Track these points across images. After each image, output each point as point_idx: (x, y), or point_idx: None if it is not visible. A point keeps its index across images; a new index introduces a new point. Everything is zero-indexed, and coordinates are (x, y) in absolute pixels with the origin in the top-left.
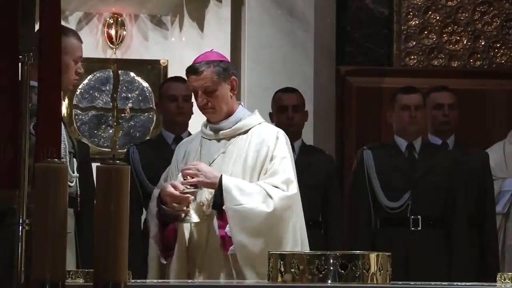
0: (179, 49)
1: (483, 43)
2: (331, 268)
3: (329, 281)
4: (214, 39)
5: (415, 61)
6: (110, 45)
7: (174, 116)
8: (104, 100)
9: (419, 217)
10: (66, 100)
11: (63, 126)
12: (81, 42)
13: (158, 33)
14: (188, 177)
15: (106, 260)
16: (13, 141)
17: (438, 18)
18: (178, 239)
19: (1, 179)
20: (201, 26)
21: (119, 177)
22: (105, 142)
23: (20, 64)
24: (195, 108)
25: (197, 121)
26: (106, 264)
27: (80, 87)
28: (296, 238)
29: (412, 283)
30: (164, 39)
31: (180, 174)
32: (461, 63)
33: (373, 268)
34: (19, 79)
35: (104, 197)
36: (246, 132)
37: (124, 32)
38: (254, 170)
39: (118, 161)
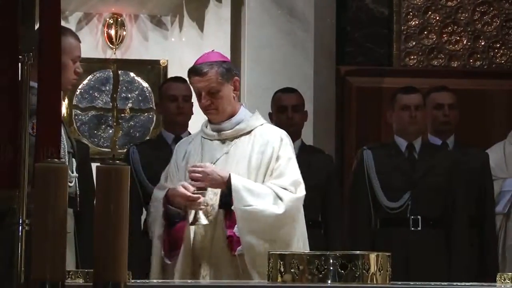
0: (179, 49)
1: (483, 43)
2: (331, 268)
3: (329, 281)
4: (214, 39)
5: (415, 61)
6: (110, 45)
7: (174, 116)
8: (104, 100)
9: (419, 217)
10: (66, 100)
11: (62, 126)
12: (79, 41)
13: (158, 33)
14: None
15: (106, 260)
16: (13, 141)
17: (438, 18)
18: (184, 239)
19: (1, 179)
20: (201, 26)
21: (119, 177)
22: (105, 142)
23: (20, 64)
24: (195, 108)
25: (197, 121)
26: (106, 264)
27: (80, 87)
28: (302, 239)
29: (412, 283)
30: (164, 39)
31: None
32: (461, 63)
33: (373, 268)
34: (19, 79)
35: (104, 197)
36: (248, 133)
37: (124, 32)
38: (258, 170)
39: (118, 161)
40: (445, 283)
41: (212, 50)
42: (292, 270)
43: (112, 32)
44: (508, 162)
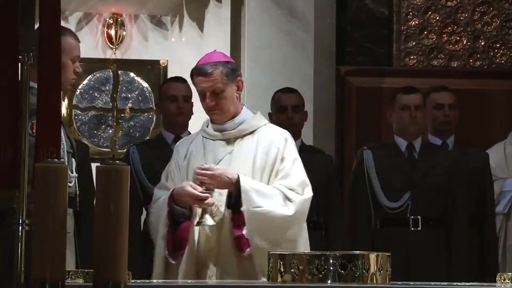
0: (179, 49)
1: (483, 43)
2: (331, 268)
3: (329, 281)
4: (214, 39)
5: (415, 61)
6: (110, 45)
7: (174, 116)
8: (104, 100)
9: (419, 217)
10: (66, 100)
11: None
12: (79, 41)
13: (158, 33)
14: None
15: (106, 260)
16: (13, 141)
17: (438, 18)
18: (189, 239)
19: (1, 179)
20: (201, 26)
21: (119, 177)
22: (105, 142)
23: (20, 64)
24: (195, 108)
25: (197, 121)
26: (106, 264)
27: (80, 87)
28: (304, 241)
29: (411, 283)
30: (164, 39)
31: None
32: (461, 63)
33: (372, 268)
34: (19, 79)
35: (104, 197)
36: (251, 133)
37: (124, 32)
38: (263, 171)
39: (118, 161)
40: (445, 283)
41: (214, 50)
42: (292, 270)
43: (112, 32)
44: (509, 162)
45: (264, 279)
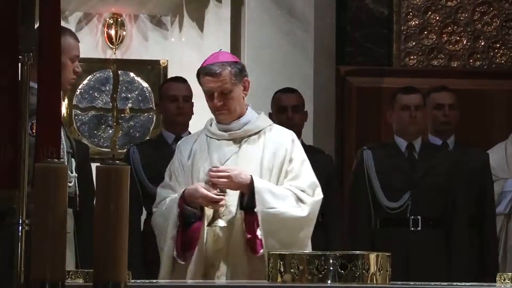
0: (179, 49)
1: (482, 43)
2: (331, 268)
3: (329, 281)
4: (214, 39)
5: (415, 61)
6: (110, 45)
7: (174, 116)
8: (104, 100)
9: (419, 217)
10: (66, 100)
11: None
12: (78, 41)
13: (158, 33)
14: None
15: (106, 260)
16: (13, 141)
17: (438, 18)
18: (199, 239)
19: (1, 179)
20: (200, 26)
21: (119, 177)
22: (105, 142)
23: (20, 64)
24: (195, 108)
25: (197, 121)
26: (105, 264)
27: (80, 87)
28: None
29: (411, 283)
30: (164, 39)
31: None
32: (461, 63)
33: (372, 268)
34: (19, 79)
35: (104, 197)
36: (257, 133)
37: (124, 32)
38: (271, 171)
39: (117, 161)
40: (445, 283)
41: (220, 50)
42: (292, 270)
43: (112, 32)
44: (510, 163)
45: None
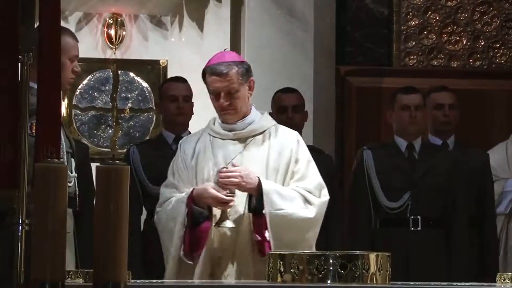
0: (178, 49)
1: (482, 43)
2: (331, 268)
3: (329, 281)
4: (214, 39)
5: (414, 61)
6: (110, 45)
7: (174, 116)
8: (104, 100)
9: (418, 217)
10: (66, 100)
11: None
12: (77, 41)
13: (157, 33)
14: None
15: (106, 260)
16: (13, 141)
17: (437, 18)
18: (208, 240)
19: (1, 179)
20: (200, 26)
21: (118, 177)
22: (105, 142)
23: (20, 64)
24: (195, 108)
25: (197, 121)
26: (105, 264)
27: (79, 87)
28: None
29: (411, 283)
30: (163, 39)
31: (215, 177)
32: (461, 63)
33: (372, 268)
34: (19, 79)
35: (104, 197)
36: (261, 133)
37: (124, 32)
38: (277, 171)
39: (117, 161)
40: (445, 283)
41: (225, 49)
42: (292, 270)
43: (112, 32)
44: (510, 163)
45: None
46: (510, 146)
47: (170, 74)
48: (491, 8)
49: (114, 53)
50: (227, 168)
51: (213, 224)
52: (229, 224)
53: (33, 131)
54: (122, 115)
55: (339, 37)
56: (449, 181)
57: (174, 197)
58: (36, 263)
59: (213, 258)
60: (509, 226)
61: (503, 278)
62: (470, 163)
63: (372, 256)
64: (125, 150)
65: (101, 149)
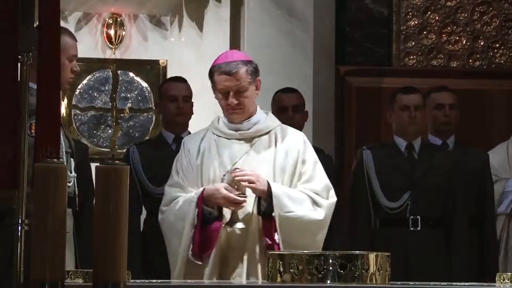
0: (178, 49)
1: (482, 43)
2: (330, 268)
3: (328, 281)
4: (214, 39)
5: (414, 61)
6: (109, 45)
7: (174, 116)
8: (103, 100)
9: (418, 217)
10: (65, 100)
11: None
12: (76, 40)
13: (157, 33)
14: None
15: (105, 260)
16: (12, 141)
17: (437, 18)
18: (218, 240)
19: (1, 179)
20: (200, 26)
21: (118, 177)
22: (104, 142)
23: (19, 64)
24: (195, 108)
25: (197, 121)
26: (105, 264)
27: (79, 87)
28: None
29: (411, 283)
30: (163, 39)
31: (226, 177)
32: (460, 63)
33: (372, 268)
34: (19, 79)
35: (104, 197)
36: (267, 133)
37: (123, 32)
38: (284, 172)
39: (117, 161)
40: (445, 283)
41: (230, 49)
42: (291, 270)
43: (112, 32)
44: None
45: None
46: (511, 146)
47: (169, 74)
48: (491, 8)
49: (114, 53)
50: (239, 169)
51: (223, 225)
52: (239, 225)
53: (33, 131)
54: (121, 115)
55: (338, 37)
56: (449, 181)
57: (181, 197)
58: (35, 263)
59: (222, 258)
60: (510, 226)
61: (502, 278)
62: (470, 163)
63: (372, 256)
64: (124, 150)
65: (100, 149)
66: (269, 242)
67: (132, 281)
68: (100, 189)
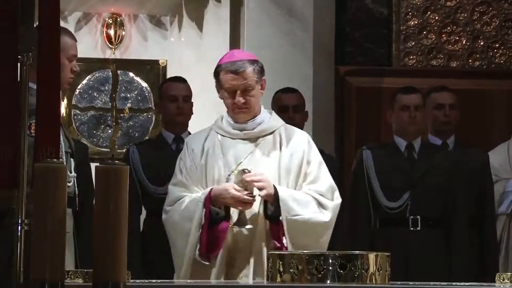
0: (178, 49)
1: (482, 43)
2: (330, 268)
3: (328, 281)
4: (213, 39)
5: (414, 61)
6: (109, 45)
7: (174, 116)
8: (103, 100)
9: (418, 217)
10: (65, 100)
11: None
12: (75, 40)
13: (157, 33)
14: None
15: (105, 260)
16: (12, 141)
17: (437, 18)
18: (226, 240)
19: (1, 179)
20: (200, 26)
21: (118, 177)
22: (104, 142)
23: (19, 64)
24: (195, 108)
25: (197, 121)
26: (105, 264)
27: (79, 87)
28: None
29: (411, 283)
30: (163, 39)
31: (232, 177)
32: (460, 63)
33: (372, 268)
34: (19, 79)
35: (103, 197)
36: (271, 133)
37: (123, 32)
38: (289, 173)
39: (117, 161)
40: (445, 283)
41: (234, 49)
42: (291, 270)
43: (111, 32)
44: None
45: None
46: None
47: (169, 74)
48: (491, 8)
49: (114, 53)
50: (248, 170)
51: (231, 225)
52: (248, 225)
53: (33, 131)
54: (121, 115)
55: (338, 37)
56: (449, 181)
57: (186, 197)
58: (35, 263)
59: (229, 259)
60: (510, 226)
61: (502, 278)
62: (470, 163)
63: (372, 256)
64: (124, 150)
65: (100, 149)
66: (278, 245)
67: (132, 281)
68: (100, 189)
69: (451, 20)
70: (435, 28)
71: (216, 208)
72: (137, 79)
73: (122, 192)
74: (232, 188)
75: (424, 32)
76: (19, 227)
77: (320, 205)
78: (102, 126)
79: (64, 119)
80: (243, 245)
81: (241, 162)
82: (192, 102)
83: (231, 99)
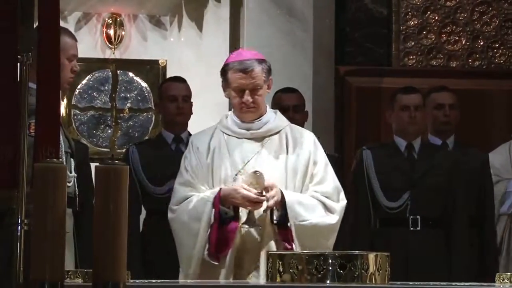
0: (178, 49)
1: (482, 43)
2: (330, 268)
3: (328, 281)
4: (213, 39)
5: (414, 61)
6: (109, 45)
7: (173, 116)
8: (103, 100)
9: (418, 217)
10: (65, 100)
11: None
12: (75, 40)
13: (157, 33)
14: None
15: (105, 260)
16: (12, 141)
17: (437, 18)
18: (235, 240)
19: (0, 179)
20: (200, 26)
21: (118, 177)
22: (104, 142)
23: (19, 64)
24: (194, 108)
25: (196, 121)
26: (105, 264)
27: (79, 87)
28: None
29: (411, 283)
30: (163, 39)
31: (240, 177)
32: (460, 63)
33: (371, 268)
34: (18, 79)
35: (103, 197)
36: (277, 133)
37: (123, 32)
38: (295, 173)
39: (117, 161)
40: (445, 283)
41: (238, 48)
42: (291, 270)
43: (111, 32)
44: None
45: None
46: None
47: (169, 74)
48: (490, 8)
49: (113, 53)
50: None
51: (240, 224)
52: (256, 225)
53: (32, 131)
54: (121, 115)
55: (338, 37)
56: (449, 181)
57: (193, 196)
58: (35, 263)
59: (237, 259)
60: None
61: (502, 278)
62: (470, 163)
63: (371, 256)
64: (124, 150)
65: (100, 149)
66: (289, 247)
67: (132, 281)
68: (100, 189)
69: (451, 20)
70: (435, 28)
71: (225, 208)
72: (136, 79)
73: (122, 192)
74: (242, 188)
75: (424, 32)
76: (19, 227)
77: (327, 208)
78: (102, 126)
79: (64, 119)
80: (251, 246)
81: (247, 162)
82: (192, 102)
83: (238, 98)
